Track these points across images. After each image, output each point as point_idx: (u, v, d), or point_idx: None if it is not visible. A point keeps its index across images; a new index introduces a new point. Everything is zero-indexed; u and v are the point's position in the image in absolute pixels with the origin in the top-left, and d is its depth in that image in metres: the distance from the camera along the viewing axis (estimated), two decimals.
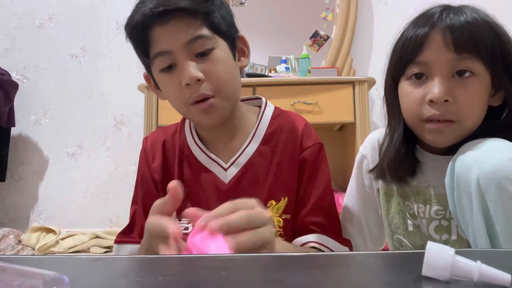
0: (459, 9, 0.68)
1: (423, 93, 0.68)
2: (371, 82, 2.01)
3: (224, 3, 0.75)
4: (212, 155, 0.78)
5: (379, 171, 0.78)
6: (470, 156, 0.61)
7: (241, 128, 0.79)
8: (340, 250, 0.74)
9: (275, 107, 0.84)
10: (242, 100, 0.84)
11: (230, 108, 0.75)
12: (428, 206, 0.74)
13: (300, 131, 0.79)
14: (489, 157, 0.59)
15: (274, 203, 0.75)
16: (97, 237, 2.09)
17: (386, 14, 2.43)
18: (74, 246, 2.01)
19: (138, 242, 0.75)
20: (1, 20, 2.52)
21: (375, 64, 2.39)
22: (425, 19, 0.68)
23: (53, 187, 2.43)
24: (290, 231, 0.76)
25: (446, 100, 0.65)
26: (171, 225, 0.48)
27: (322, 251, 0.73)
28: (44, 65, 2.50)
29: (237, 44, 0.77)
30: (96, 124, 2.46)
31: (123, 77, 2.46)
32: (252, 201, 0.50)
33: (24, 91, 2.46)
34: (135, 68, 2.39)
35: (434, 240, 0.72)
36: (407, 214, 0.78)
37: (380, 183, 0.82)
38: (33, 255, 1.88)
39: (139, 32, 0.70)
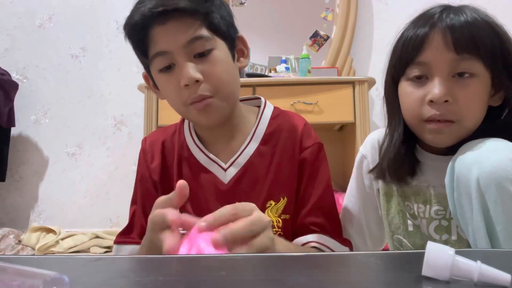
0: (459, 9, 0.68)
1: (423, 93, 0.68)
2: (371, 82, 2.01)
3: (223, 3, 0.75)
4: (211, 156, 0.78)
5: (379, 171, 0.78)
6: (470, 156, 0.61)
7: (240, 128, 0.79)
8: (340, 250, 0.74)
9: (275, 107, 0.84)
10: (241, 100, 0.83)
11: (229, 108, 0.74)
12: (428, 206, 0.74)
13: (300, 131, 0.79)
14: (489, 157, 0.59)
15: (273, 203, 0.75)
16: (97, 237, 2.09)
17: (386, 14, 2.43)
18: (74, 246, 2.01)
19: (138, 243, 0.75)
20: (1, 20, 2.52)
21: (375, 64, 2.39)
22: (425, 19, 0.68)
23: (53, 187, 2.43)
24: (289, 231, 0.76)
25: (446, 100, 0.65)
26: (171, 212, 0.50)
27: (323, 251, 0.73)
28: (44, 65, 2.50)
29: (236, 45, 0.77)
30: (96, 124, 2.46)
31: (123, 77, 2.46)
32: (251, 205, 0.50)
33: (24, 91, 2.46)
34: (135, 68, 2.39)
35: (434, 240, 0.72)
36: (407, 214, 0.78)
37: (380, 183, 0.82)
38: (33, 255, 1.88)
39: (138, 32, 0.70)
